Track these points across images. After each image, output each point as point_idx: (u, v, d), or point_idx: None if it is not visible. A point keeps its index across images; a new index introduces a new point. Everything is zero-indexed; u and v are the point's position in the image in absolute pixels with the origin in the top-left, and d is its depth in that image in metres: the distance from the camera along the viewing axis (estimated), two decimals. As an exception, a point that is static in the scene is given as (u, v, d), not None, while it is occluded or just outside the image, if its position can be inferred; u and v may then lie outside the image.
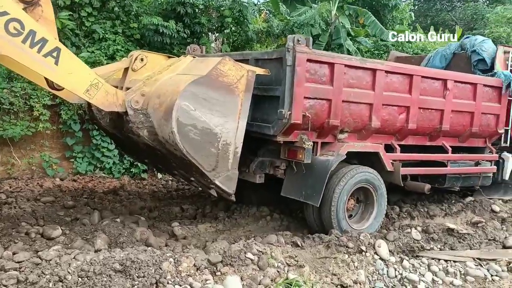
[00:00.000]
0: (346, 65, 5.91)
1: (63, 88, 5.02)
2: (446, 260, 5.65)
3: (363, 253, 5.36)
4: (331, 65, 5.79)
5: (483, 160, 7.81)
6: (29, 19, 4.44)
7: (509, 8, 22.77)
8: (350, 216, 6.32)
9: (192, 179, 5.62)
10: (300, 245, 5.37)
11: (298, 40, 5.50)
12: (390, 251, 5.54)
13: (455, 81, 7.06)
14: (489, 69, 7.89)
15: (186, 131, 4.66)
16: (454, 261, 5.67)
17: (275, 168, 6.16)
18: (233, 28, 11.61)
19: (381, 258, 5.37)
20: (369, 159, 6.49)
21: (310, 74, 5.67)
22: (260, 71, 5.51)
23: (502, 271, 5.61)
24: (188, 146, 4.69)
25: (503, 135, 7.97)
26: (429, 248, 5.83)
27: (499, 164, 8.01)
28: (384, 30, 14.61)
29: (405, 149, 6.80)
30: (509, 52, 8.02)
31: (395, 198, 7.82)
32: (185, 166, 5.20)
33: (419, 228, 6.19)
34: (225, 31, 11.64)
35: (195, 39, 11.25)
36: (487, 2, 30.53)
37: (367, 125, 6.28)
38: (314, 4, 14.79)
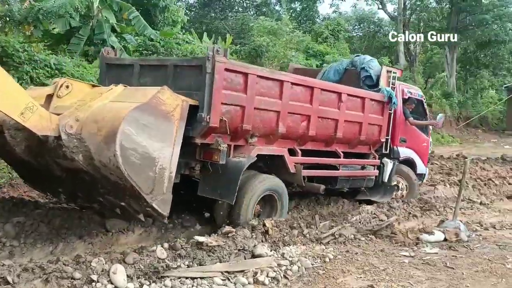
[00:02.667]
0: (258, 76, 6.54)
1: None
2: (193, 278, 5.06)
3: (94, 283, 4.56)
4: (245, 75, 6.36)
5: (367, 165, 8.94)
6: None
7: (269, 20, 24.59)
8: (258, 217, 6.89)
9: (123, 204, 5.64)
10: (11, 282, 4.29)
11: (217, 51, 5.97)
12: (128, 276, 4.80)
13: (348, 95, 8.01)
14: (374, 85, 8.95)
15: (128, 155, 4.86)
16: (202, 278, 5.09)
17: (190, 169, 6.46)
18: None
19: (116, 287, 4.64)
20: (274, 162, 7.19)
21: (227, 82, 6.16)
22: (192, 102, 5.76)
23: (249, 283, 5.15)
24: (129, 169, 4.85)
25: (384, 143, 9.16)
26: (175, 266, 5.20)
27: (381, 168, 9.18)
28: (148, 27, 14.20)
29: (305, 153, 7.58)
30: (391, 71, 9.21)
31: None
32: (118, 191, 5.32)
33: (166, 245, 5.59)
34: None
35: None
36: (255, 14, 33.63)
37: (274, 131, 6.96)
38: None
